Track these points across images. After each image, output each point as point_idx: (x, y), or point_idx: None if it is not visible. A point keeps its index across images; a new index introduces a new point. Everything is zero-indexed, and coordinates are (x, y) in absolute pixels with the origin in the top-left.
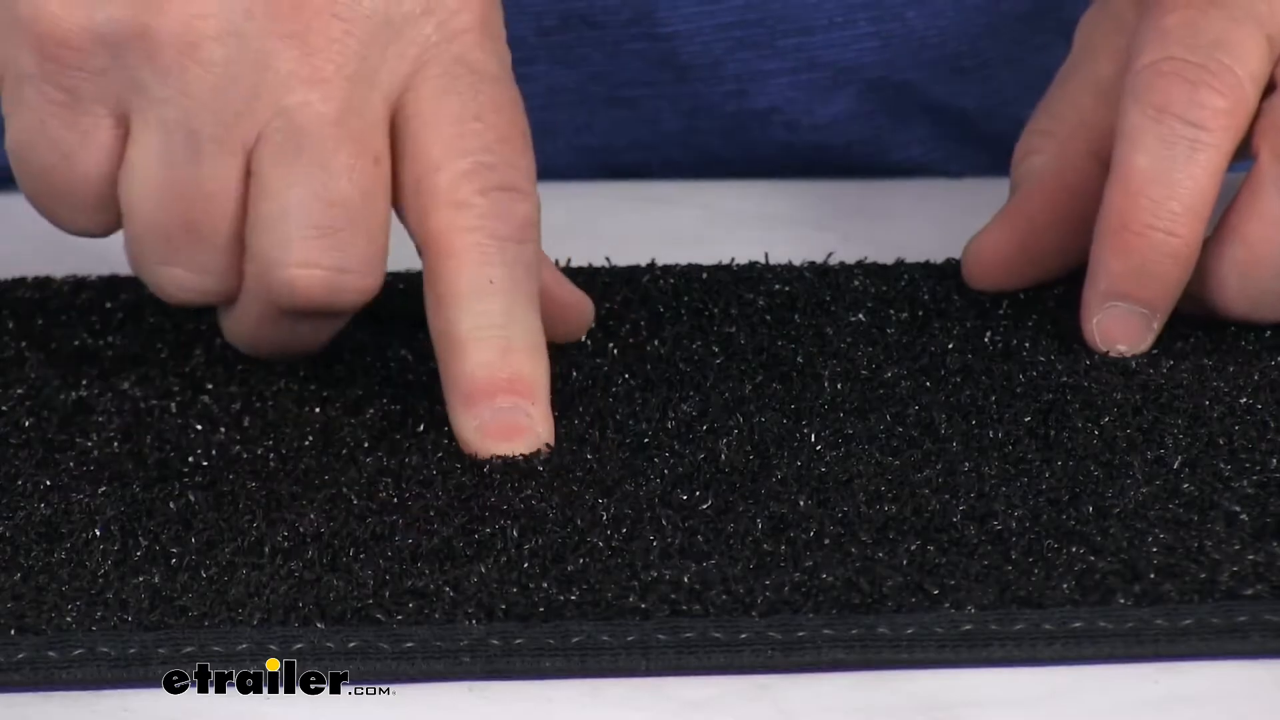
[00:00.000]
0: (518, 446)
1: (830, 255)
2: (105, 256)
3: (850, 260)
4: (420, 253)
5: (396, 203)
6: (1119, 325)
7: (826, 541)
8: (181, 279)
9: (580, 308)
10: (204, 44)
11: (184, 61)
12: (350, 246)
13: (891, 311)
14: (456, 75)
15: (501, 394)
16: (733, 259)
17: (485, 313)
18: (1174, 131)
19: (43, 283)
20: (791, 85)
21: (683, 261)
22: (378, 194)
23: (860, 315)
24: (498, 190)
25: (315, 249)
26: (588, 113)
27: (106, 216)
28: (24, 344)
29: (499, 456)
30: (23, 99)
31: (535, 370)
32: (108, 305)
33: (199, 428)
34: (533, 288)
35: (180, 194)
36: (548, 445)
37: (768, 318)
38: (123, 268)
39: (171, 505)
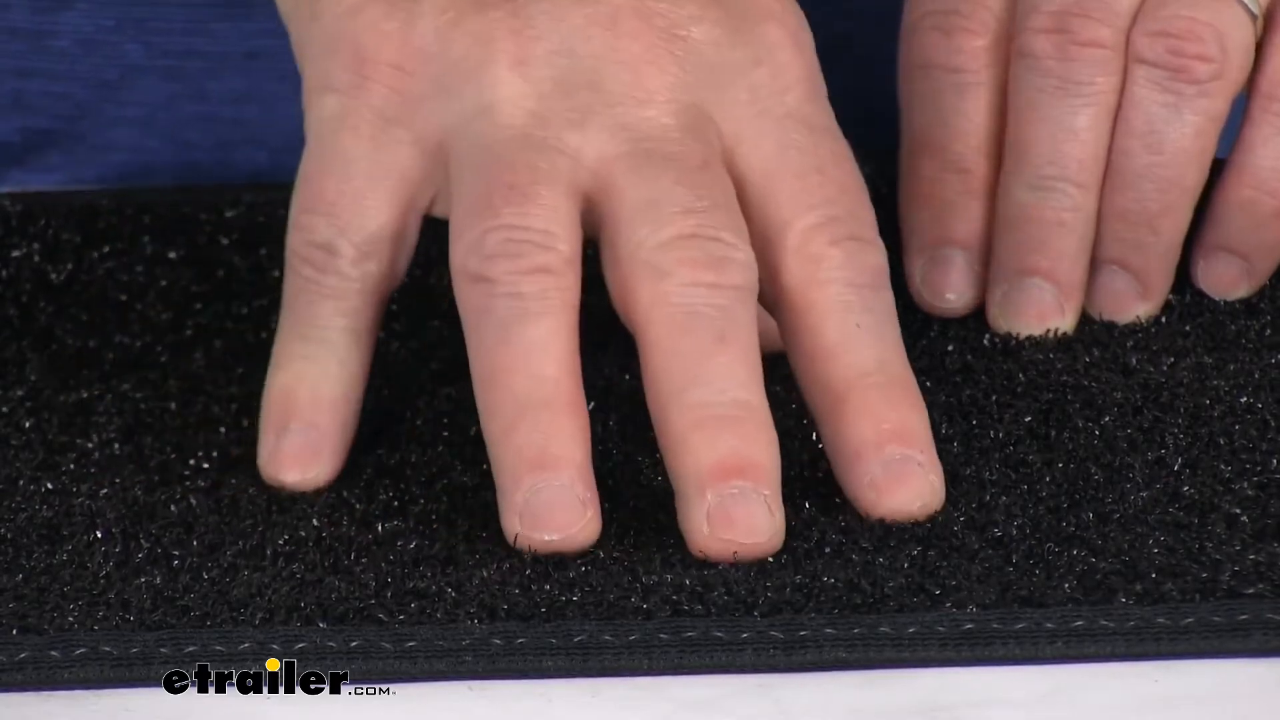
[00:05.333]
0: (911, 499)
1: None
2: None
3: None
4: (773, 310)
5: None
6: (941, 273)
7: (828, 550)
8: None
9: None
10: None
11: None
12: (723, 220)
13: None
14: (793, 129)
15: (889, 444)
16: None
17: (857, 362)
18: (940, 81)
19: (43, 277)
20: None
21: None
22: (731, 193)
23: None
24: (848, 240)
25: (692, 223)
26: None
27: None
28: (24, 344)
29: (896, 516)
30: (333, 120)
31: (917, 417)
32: (109, 303)
33: (199, 430)
34: (897, 333)
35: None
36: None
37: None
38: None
39: (173, 508)
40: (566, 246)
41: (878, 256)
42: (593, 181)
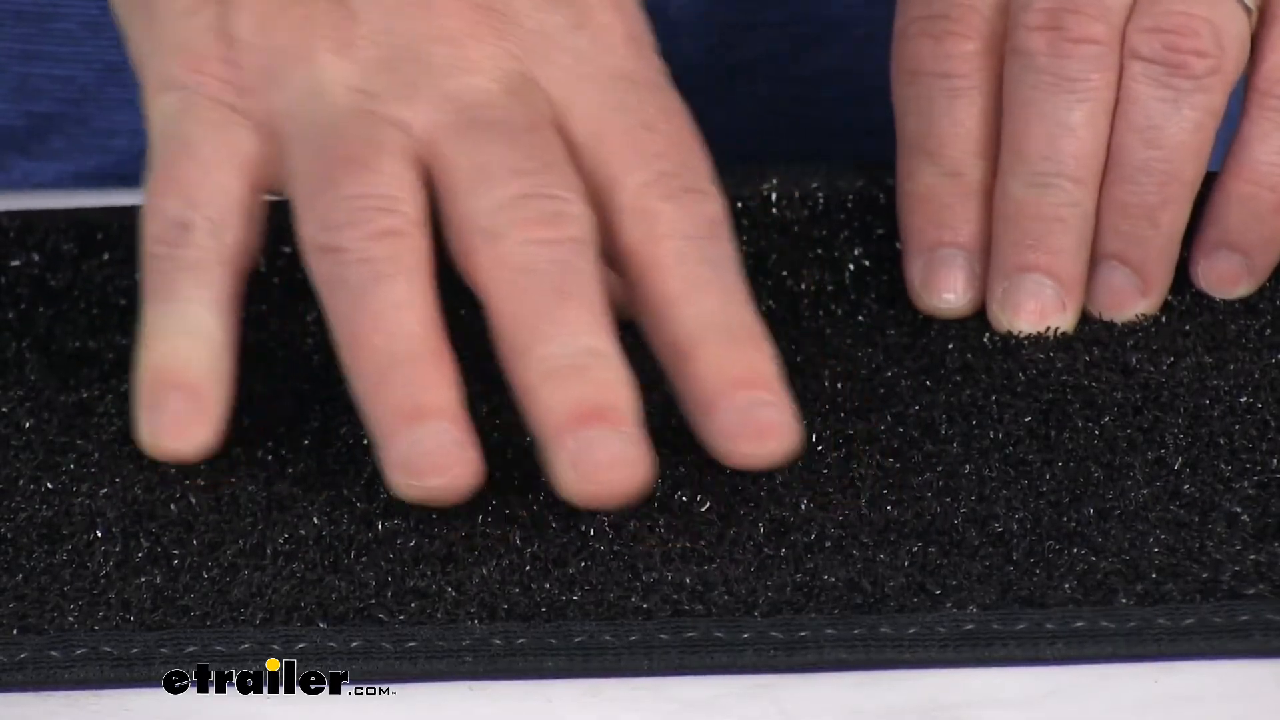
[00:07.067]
0: (766, 441)
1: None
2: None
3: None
4: (616, 269)
5: None
6: (939, 274)
7: (828, 544)
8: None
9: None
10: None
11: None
12: (555, 179)
13: (892, 312)
14: (619, 88)
15: (738, 390)
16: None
17: (699, 314)
18: (931, 87)
19: (42, 284)
20: (780, 38)
21: None
22: (562, 153)
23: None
24: (682, 193)
25: (523, 184)
26: None
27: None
28: (24, 344)
29: (755, 461)
30: (175, 114)
31: (764, 361)
32: (108, 306)
33: None
34: (740, 282)
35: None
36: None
37: (771, 321)
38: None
39: (173, 508)
40: (411, 209)
41: (713, 206)
42: (426, 152)
